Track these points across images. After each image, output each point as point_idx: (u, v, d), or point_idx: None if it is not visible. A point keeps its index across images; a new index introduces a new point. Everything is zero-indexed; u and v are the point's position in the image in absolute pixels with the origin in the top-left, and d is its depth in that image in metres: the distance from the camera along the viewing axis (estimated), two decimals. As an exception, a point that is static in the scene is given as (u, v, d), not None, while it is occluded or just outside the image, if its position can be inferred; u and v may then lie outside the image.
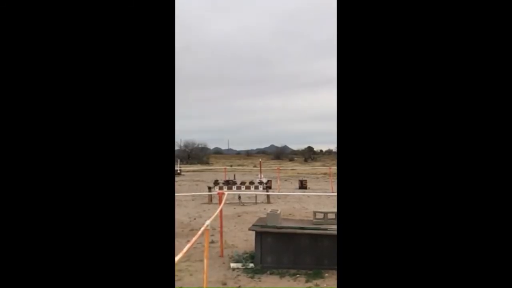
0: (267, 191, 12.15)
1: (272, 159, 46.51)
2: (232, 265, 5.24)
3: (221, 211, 5.65)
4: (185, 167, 29.51)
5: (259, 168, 16.41)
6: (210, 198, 11.81)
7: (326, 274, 4.84)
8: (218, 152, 61.38)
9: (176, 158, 32.72)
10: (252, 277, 4.81)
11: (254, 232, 5.27)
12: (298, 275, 4.83)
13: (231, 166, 29.45)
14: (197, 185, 17.61)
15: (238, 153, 61.89)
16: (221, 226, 6.04)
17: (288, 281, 4.69)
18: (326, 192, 13.76)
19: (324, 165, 31.61)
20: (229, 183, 12.63)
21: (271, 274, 4.91)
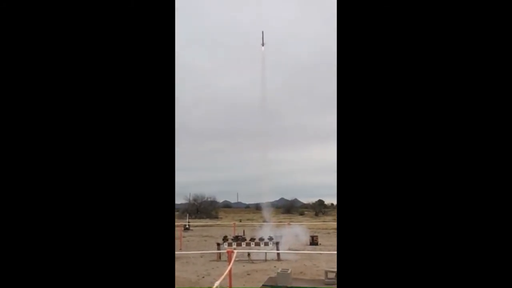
0: (277, 248, 11.87)
1: (282, 213, 45.71)
2: (242, 328, 5.04)
3: (230, 270, 5.54)
4: (194, 222, 29.14)
5: (270, 223, 16.14)
6: (219, 255, 11.56)
7: None
8: (227, 205, 60.70)
9: (185, 212, 32.44)
10: None
11: (264, 292, 5.13)
12: None
13: (240, 221, 29.01)
14: (205, 240, 17.29)
15: (248, 207, 61.11)
16: (230, 287, 5.88)
17: None
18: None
19: (335, 220, 30.79)
20: (238, 239, 12.41)
21: (282, 338, 4.70)
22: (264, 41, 14.60)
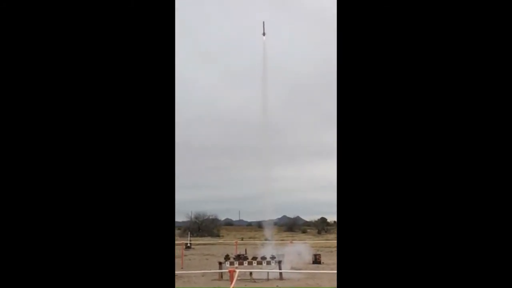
0: (279, 267, 11.74)
1: (285, 230, 45.22)
2: None
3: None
4: (196, 240, 28.90)
5: (272, 241, 16.00)
6: (221, 274, 11.43)
7: None
8: (229, 223, 60.13)
9: (186, 230, 32.17)
10: None
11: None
12: None
13: (242, 239, 28.77)
14: (207, 259, 17.13)
15: (249, 225, 60.49)
16: (232, 306, 5.80)
17: None
18: (341, 268, 13.16)
19: (338, 238, 30.35)
20: (240, 258, 12.29)
21: None
22: (265, 31, 14.21)
